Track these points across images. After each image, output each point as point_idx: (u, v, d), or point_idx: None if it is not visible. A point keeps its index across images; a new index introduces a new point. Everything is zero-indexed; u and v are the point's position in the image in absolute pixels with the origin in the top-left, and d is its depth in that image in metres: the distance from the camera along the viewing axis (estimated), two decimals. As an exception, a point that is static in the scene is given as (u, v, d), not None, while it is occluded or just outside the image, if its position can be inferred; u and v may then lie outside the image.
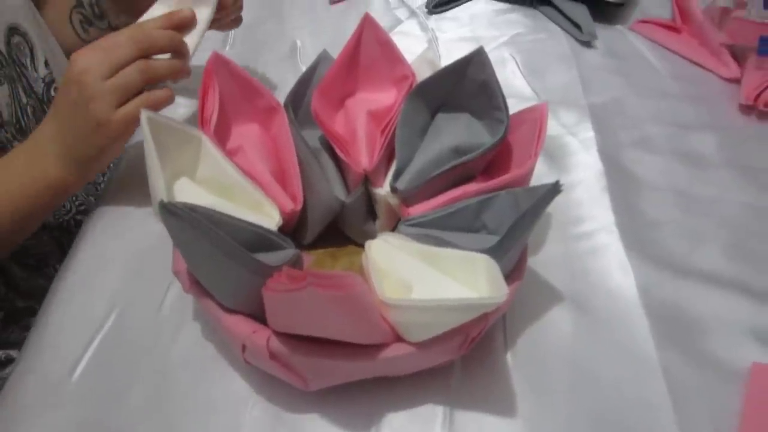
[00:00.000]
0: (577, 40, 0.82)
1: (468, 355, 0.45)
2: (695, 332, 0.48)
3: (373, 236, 0.48)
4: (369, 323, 0.37)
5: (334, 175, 0.51)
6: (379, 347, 0.39)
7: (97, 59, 0.50)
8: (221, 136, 0.49)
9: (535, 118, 0.48)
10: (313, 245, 0.51)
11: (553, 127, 0.67)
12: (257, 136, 0.51)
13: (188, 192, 0.44)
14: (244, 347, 0.40)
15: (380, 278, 0.40)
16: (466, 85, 0.50)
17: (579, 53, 0.80)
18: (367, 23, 0.52)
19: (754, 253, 0.54)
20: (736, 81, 0.73)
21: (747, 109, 0.70)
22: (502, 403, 0.44)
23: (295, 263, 0.42)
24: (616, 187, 0.60)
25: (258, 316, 0.39)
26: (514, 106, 0.69)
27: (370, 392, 0.44)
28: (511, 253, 0.41)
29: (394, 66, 0.53)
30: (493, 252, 0.39)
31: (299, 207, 0.47)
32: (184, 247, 0.40)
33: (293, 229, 0.49)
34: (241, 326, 0.40)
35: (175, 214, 0.36)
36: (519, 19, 0.87)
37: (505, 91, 0.71)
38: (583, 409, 0.43)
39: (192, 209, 0.37)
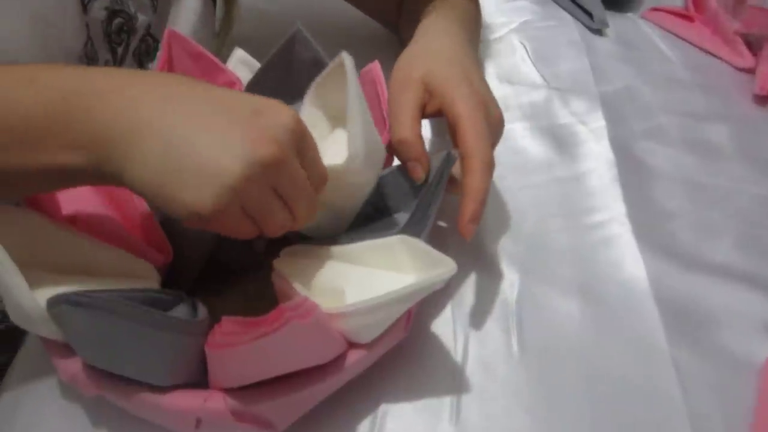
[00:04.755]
0: (587, 27, 0.81)
1: (475, 346, 0.45)
2: (707, 325, 0.47)
3: (256, 256, 0.46)
4: (331, 340, 0.36)
5: None
6: (337, 361, 0.37)
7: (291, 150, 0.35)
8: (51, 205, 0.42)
9: (372, 79, 0.47)
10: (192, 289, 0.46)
11: (563, 116, 0.66)
12: (89, 198, 0.44)
13: (48, 285, 0.36)
14: (198, 421, 0.36)
15: (309, 294, 0.38)
16: (297, 67, 0.48)
17: (590, 41, 0.78)
18: (173, 38, 0.48)
19: (767, 246, 0.53)
20: (750, 71, 0.72)
21: (761, 100, 0.69)
22: (509, 396, 0.43)
23: (198, 309, 0.38)
24: (627, 178, 0.59)
25: (192, 382, 0.36)
26: (523, 94, 0.69)
27: (375, 385, 0.43)
28: (427, 230, 0.41)
29: (215, 76, 0.49)
30: (408, 232, 0.39)
31: (170, 256, 0.43)
32: (95, 341, 0.34)
33: (167, 279, 0.44)
34: (188, 399, 0.35)
35: (81, 305, 0.31)
36: (528, 5, 0.86)
37: (515, 78, 0.72)
38: (592, 402, 0.42)
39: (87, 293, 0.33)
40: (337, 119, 0.46)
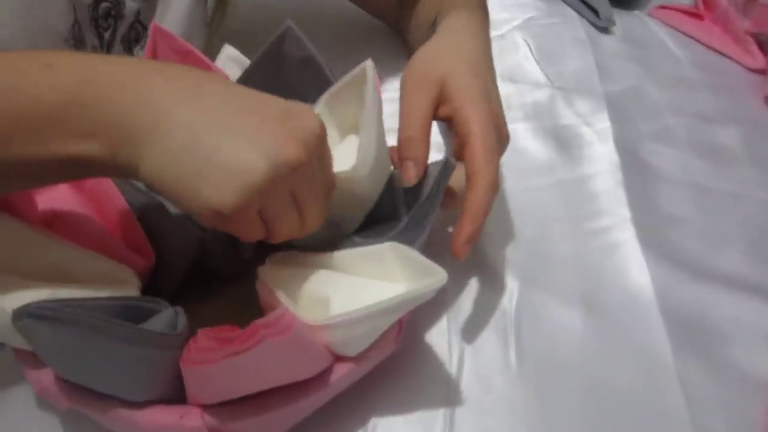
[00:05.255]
0: (593, 25, 0.79)
1: (471, 357, 0.44)
2: (715, 339, 0.45)
3: (243, 262, 0.44)
4: (314, 354, 0.34)
5: (179, 213, 0.43)
6: (322, 375, 0.35)
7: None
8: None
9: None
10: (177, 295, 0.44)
11: (567, 116, 0.64)
12: (67, 198, 0.42)
13: (18, 291, 0.34)
14: None
15: (293, 304, 0.36)
16: (287, 64, 0.46)
17: (595, 39, 0.76)
18: (159, 35, 0.46)
19: (778, 255, 0.51)
20: (762, 72, 0.70)
21: (772, 102, 0.67)
22: (506, 410, 0.41)
23: (179, 319, 0.36)
24: (632, 181, 0.57)
25: (167, 397, 0.34)
26: (526, 93, 0.67)
27: (365, 397, 0.41)
28: (422, 239, 0.39)
29: None
30: (400, 239, 0.38)
31: (152, 261, 0.41)
32: (63, 354, 0.32)
33: (150, 284, 0.43)
34: (164, 416, 0.34)
35: (44, 318, 0.29)
36: (532, 2, 0.83)
37: (518, 77, 0.70)
38: (593, 417, 0.41)
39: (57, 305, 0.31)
40: (349, 130, 0.45)
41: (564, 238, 0.52)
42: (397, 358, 0.42)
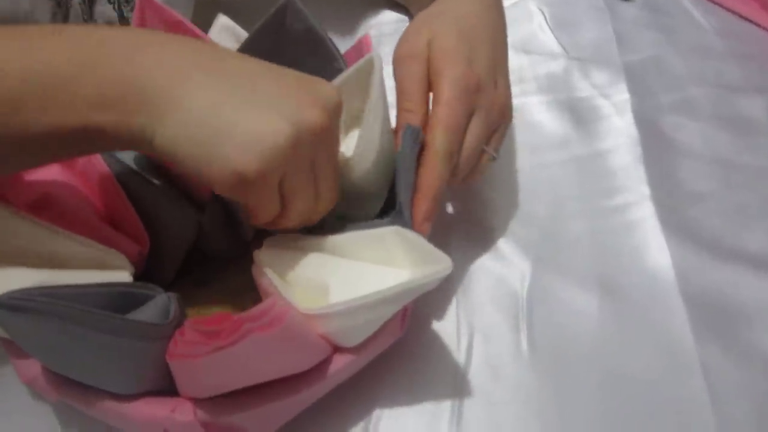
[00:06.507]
0: (612, -9, 0.76)
1: (480, 344, 0.42)
2: (739, 323, 0.44)
3: (244, 245, 0.43)
4: (309, 346, 0.32)
5: (175, 195, 0.42)
6: (320, 367, 0.34)
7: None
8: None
9: (361, 51, 0.44)
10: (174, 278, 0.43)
11: (583, 88, 0.62)
12: (58, 181, 0.41)
13: (4, 278, 0.33)
14: None
15: (289, 289, 0.35)
16: (288, 38, 0.44)
17: (614, 6, 0.73)
18: (147, 5, 0.44)
19: (807, 233, 0.49)
20: (791, 38, 0.67)
21: (802, 71, 0.64)
22: (517, 401, 0.40)
23: (171, 306, 0.34)
24: (652, 156, 0.55)
25: (158, 388, 0.33)
26: (540, 64, 0.65)
27: (368, 386, 0.40)
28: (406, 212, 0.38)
29: None
30: (398, 220, 0.36)
31: (147, 247, 0.40)
32: (45, 346, 0.31)
33: (147, 269, 0.42)
34: (155, 409, 0.32)
35: (19, 309, 0.28)
36: (548, -32, 0.80)
37: (531, 47, 0.67)
38: (610, 408, 0.40)
39: (33, 294, 0.29)
40: (353, 124, 0.43)
41: (579, 217, 0.51)
42: (402, 346, 0.41)
